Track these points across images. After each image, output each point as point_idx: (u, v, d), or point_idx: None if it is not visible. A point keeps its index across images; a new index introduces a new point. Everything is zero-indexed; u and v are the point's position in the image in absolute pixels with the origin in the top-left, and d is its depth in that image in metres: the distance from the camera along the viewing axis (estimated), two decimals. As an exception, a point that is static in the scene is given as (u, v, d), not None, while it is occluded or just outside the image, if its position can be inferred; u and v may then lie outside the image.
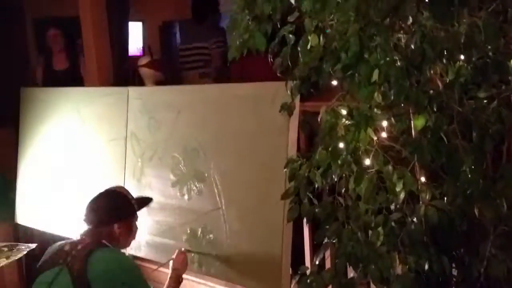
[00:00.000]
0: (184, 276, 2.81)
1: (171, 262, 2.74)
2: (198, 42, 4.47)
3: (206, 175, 2.89)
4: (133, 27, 5.72)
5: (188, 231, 2.95)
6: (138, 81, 4.23)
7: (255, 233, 2.68)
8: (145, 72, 4.20)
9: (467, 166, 1.79)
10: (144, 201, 2.77)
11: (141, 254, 3.20)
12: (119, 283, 2.36)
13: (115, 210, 2.58)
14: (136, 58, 4.69)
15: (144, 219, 3.17)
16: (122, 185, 3.30)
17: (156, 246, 3.13)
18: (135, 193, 3.22)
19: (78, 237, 2.51)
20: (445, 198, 1.84)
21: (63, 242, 2.52)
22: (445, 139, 1.82)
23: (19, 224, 4.14)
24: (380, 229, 1.91)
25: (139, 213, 2.66)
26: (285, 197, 2.23)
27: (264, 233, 2.63)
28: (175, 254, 2.78)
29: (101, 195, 2.63)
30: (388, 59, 1.78)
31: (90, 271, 2.35)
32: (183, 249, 2.83)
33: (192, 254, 2.90)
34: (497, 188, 1.80)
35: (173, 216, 3.05)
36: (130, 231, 2.61)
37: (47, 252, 2.52)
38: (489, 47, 1.74)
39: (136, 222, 2.65)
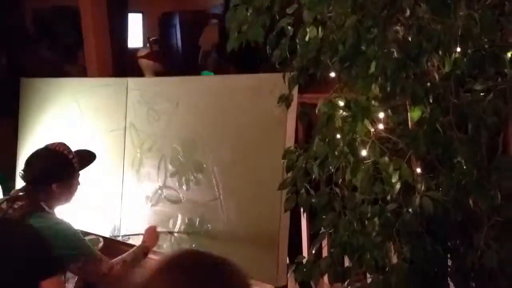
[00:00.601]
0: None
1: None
2: None
3: (204, 166, 2.91)
4: (132, 18, 5.73)
5: (186, 221, 2.97)
6: (138, 72, 4.25)
7: (252, 223, 2.70)
8: (144, 63, 4.21)
9: (462, 158, 1.81)
10: (87, 159, 2.63)
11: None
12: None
13: (52, 171, 2.44)
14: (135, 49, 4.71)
15: (143, 209, 3.19)
16: (121, 175, 3.32)
17: (155, 236, 3.14)
18: (134, 183, 3.25)
19: (17, 193, 2.41)
20: (440, 189, 1.86)
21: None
22: (441, 130, 1.83)
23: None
24: (376, 219, 1.92)
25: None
26: (282, 187, 2.24)
27: (261, 223, 2.66)
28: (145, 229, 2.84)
29: (38, 154, 2.49)
30: (385, 51, 1.80)
31: None
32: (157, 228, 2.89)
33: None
34: (492, 179, 1.82)
35: (172, 206, 3.06)
36: (70, 190, 2.50)
37: None
38: (486, 39, 1.76)
39: (79, 179, 2.54)
